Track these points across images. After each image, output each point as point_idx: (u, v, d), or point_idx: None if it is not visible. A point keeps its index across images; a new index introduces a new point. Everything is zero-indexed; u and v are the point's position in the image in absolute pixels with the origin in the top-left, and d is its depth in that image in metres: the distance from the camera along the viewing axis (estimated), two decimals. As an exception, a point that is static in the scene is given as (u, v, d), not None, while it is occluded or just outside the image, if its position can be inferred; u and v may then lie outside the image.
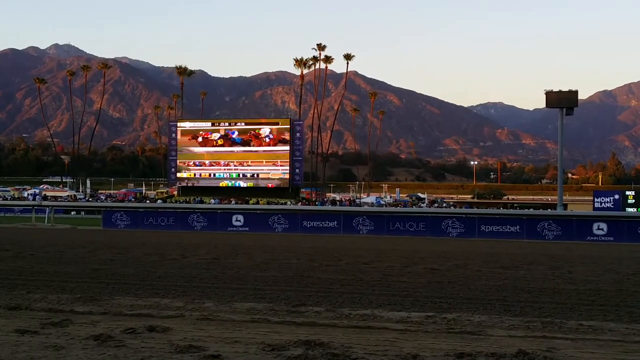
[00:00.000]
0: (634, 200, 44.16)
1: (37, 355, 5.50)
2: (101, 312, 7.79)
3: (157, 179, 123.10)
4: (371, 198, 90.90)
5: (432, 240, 25.23)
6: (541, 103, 47.73)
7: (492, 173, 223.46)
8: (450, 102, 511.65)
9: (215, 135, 65.75)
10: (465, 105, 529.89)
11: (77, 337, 6.22)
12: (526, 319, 7.77)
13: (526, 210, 51.94)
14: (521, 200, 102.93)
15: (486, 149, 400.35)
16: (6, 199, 62.42)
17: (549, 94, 45.51)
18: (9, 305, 8.09)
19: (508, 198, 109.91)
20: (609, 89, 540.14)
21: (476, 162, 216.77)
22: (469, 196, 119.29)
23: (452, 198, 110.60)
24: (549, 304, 9.08)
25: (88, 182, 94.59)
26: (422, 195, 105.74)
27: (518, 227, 27.71)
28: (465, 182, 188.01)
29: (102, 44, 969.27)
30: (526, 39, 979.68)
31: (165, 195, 74.28)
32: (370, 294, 9.67)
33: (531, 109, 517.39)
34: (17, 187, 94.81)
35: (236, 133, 65.50)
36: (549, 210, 50.39)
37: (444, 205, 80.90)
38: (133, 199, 74.43)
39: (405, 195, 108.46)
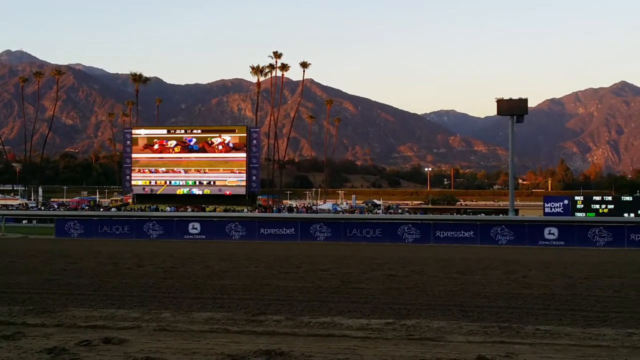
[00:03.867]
0: (582, 206, 45.29)
1: (-12, 370, 5.34)
2: (54, 324, 7.59)
3: (112, 187, 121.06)
4: (328, 205, 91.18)
5: (389, 246, 25.36)
6: (492, 111, 48.57)
7: (445, 179, 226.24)
8: (405, 109, 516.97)
9: (172, 143, 65.03)
10: (419, 113, 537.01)
11: (29, 351, 6.06)
12: (484, 324, 7.85)
13: (480, 215, 52.75)
14: (474, 205, 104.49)
15: (440, 156, 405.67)
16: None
17: (499, 102, 46.36)
18: (-43, 319, 7.83)
19: (461, 204, 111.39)
20: (557, 97, 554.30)
21: (430, 169, 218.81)
22: (424, 202, 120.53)
23: (407, 204, 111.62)
24: (506, 308, 9.21)
25: (40, 190, 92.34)
26: (377, 202, 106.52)
27: (472, 232, 28.05)
28: (419, 188, 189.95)
29: (56, 51, 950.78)
30: (477, 48, 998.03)
31: (120, 203, 73.15)
32: (329, 302, 9.67)
33: (483, 117, 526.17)
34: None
35: (193, 140, 64.93)
36: (501, 215, 51.28)
37: (399, 211, 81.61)
38: (87, 207, 73.08)
39: (361, 202, 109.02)
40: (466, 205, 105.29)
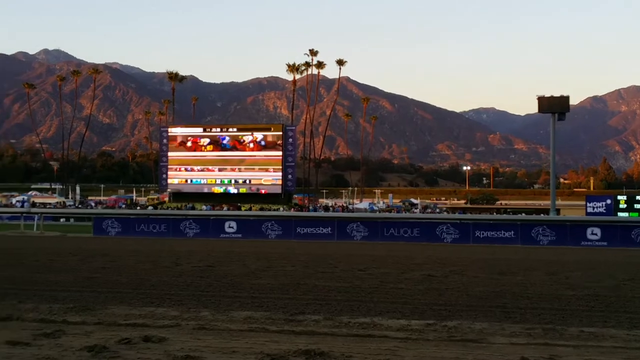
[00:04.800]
0: (625, 205, 44.25)
1: (30, 367, 5.35)
2: (95, 322, 7.63)
3: (148, 185, 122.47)
4: (364, 204, 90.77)
5: (427, 246, 25.15)
6: (533, 108, 48.00)
7: (484, 178, 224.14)
8: (443, 107, 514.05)
9: (205, 141, 65.56)
10: (458, 111, 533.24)
11: (70, 349, 6.09)
12: (527, 326, 7.72)
13: (520, 215, 52.06)
14: (514, 205, 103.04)
15: (478, 154, 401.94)
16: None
17: (540, 100, 45.63)
18: (-1, 316, 7.93)
19: (501, 203, 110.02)
20: (600, 94, 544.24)
21: (469, 168, 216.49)
22: (462, 201, 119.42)
23: (445, 203, 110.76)
24: (549, 310, 9.03)
25: (77, 188, 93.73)
26: (415, 201, 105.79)
27: (512, 232, 27.67)
28: (458, 187, 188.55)
29: (93, 49, 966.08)
30: (518, 44, 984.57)
31: (156, 202, 73.94)
32: (368, 302, 9.58)
33: (523, 114, 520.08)
34: (5, 193, 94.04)
35: (227, 139, 65.33)
36: (542, 215, 50.49)
37: (437, 210, 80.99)
38: (124, 206, 74.08)
39: (398, 201, 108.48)
40: (506, 204, 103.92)
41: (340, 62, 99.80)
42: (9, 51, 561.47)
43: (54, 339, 6.53)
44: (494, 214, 61.11)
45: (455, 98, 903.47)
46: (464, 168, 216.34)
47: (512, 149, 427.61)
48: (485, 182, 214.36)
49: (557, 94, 45.60)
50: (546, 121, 49.06)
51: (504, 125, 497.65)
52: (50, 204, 74.30)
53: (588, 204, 46.23)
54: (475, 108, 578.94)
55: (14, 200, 77.65)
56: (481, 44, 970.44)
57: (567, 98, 45.59)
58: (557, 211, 52.58)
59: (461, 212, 66.72)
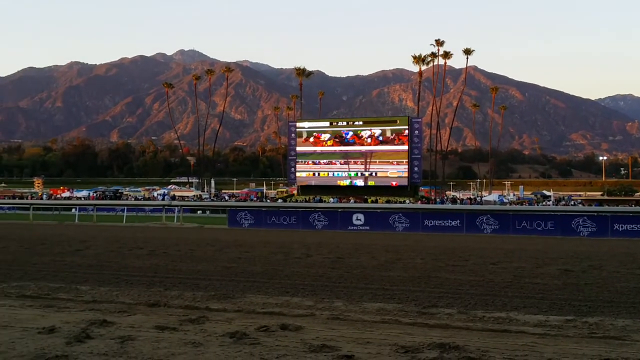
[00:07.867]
0: None
1: (177, 351, 5.68)
2: (235, 309, 8.00)
3: (277, 179, 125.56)
4: (493, 196, 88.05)
5: (562, 240, 24.12)
6: (677, 93, 44.39)
7: (622, 169, 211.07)
8: (577, 95, 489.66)
9: (326, 136, 66.14)
10: (593, 98, 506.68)
11: (213, 334, 6.39)
12: (675, 324, 7.26)
13: (664, 207, 48.57)
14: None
15: (616, 144, 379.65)
16: (138, 199, 65.98)
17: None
18: (148, 302, 8.49)
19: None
20: None
21: (605, 158, 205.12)
22: (598, 193, 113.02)
23: (579, 195, 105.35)
24: (699, 308, 8.43)
25: (212, 182, 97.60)
26: (547, 193, 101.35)
27: (656, 225, 25.95)
28: (593, 178, 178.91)
29: (225, 48, 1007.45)
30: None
31: (285, 195, 75.67)
32: (503, 296, 9.37)
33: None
34: (147, 187, 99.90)
35: (350, 134, 65.59)
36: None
37: (572, 203, 77.21)
38: (255, 199, 76.40)
39: (529, 193, 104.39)
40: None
41: (467, 52, 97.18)
42: (149, 53, 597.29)
43: (198, 325, 6.89)
44: (633, 206, 57.42)
45: (590, 85, 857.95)
46: (600, 158, 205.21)
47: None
48: (623, 172, 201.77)
49: None
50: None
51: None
52: (188, 197, 78.03)
53: None
54: (611, 95, 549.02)
55: (155, 194, 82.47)
56: (617, 28, 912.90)
57: None
58: None
59: (597, 204, 63.13)
